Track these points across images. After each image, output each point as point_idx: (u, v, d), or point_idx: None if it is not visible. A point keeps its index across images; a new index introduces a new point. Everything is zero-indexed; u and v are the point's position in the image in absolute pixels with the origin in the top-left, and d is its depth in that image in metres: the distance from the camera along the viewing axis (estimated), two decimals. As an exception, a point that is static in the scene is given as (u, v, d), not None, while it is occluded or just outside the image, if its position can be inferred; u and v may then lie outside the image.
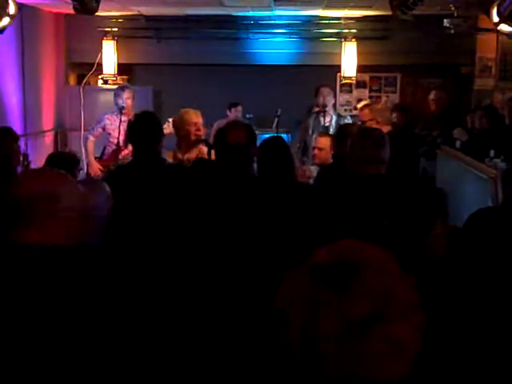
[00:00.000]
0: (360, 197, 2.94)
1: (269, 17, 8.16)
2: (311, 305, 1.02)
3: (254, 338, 2.39)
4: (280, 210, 3.05)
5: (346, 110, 8.47)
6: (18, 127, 6.41)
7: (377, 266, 1.04)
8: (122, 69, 8.45)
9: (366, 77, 8.63)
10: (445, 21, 6.22)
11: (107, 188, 2.51)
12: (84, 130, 7.78)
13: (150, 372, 1.79)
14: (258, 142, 3.46)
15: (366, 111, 6.26)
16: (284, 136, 7.33)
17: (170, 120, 4.94)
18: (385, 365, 1.01)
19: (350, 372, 1.00)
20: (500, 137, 5.79)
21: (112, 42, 8.30)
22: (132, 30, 8.36)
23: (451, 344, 1.94)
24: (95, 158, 6.44)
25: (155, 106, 8.00)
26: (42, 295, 1.68)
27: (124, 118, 6.18)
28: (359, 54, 8.24)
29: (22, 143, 5.39)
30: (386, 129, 5.70)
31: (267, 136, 3.87)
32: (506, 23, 5.02)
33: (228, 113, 7.51)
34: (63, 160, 4.02)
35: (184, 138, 4.65)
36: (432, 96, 7.21)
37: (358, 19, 8.22)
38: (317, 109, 6.47)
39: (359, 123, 6.18)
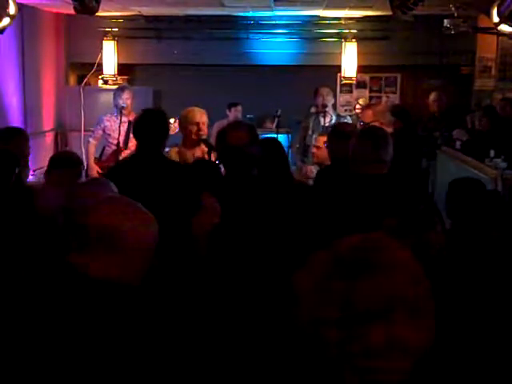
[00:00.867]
0: (363, 196, 2.94)
1: (269, 17, 8.16)
2: (322, 290, 1.03)
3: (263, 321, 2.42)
4: (277, 209, 3.06)
5: (346, 110, 8.47)
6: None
7: (395, 265, 1.05)
8: (122, 69, 8.45)
9: (366, 77, 8.63)
10: (445, 21, 6.22)
11: (114, 187, 2.52)
12: (84, 131, 7.78)
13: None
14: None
15: (369, 112, 6.25)
16: (284, 136, 7.35)
17: (172, 121, 4.93)
18: (384, 359, 1.01)
19: (350, 360, 1.02)
20: (500, 137, 5.79)
21: (112, 42, 8.30)
22: (132, 30, 8.36)
23: (453, 339, 1.94)
24: (94, 158, 6.43)
25: (155, 106, 8.00)
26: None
27: (124, 119, 6.17)
28: (359, 54, 8.24)
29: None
30: (389, 130, 5.69)
31: (266, 136, 3.90)
32: (506, 23, 5.02)
33: (228, 113, 7.51)
34: (67, 160, 4.01)
35: (186, 136, 4.66)
36: (432, 97, 7.21)
37: (358, 19, 8.22)
38: (316, 109, 6.47)
39: (361, 123, 6.17)
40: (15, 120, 6.90)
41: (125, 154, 6.04)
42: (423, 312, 1.04)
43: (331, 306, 1.02)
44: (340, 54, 8.32)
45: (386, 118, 6.43)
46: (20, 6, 5.45)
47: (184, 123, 4.66)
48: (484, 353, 2.15)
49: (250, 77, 8.31)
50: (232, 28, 8.34)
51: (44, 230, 2.55)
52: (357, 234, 1.11)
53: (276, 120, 7.00)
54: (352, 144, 3.28)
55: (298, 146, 6.43)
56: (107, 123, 6.33)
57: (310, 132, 6.37)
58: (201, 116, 4.65)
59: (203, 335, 2.42)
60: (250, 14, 7.93)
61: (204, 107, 5.02)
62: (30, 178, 5.13)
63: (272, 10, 7.50)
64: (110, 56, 8.30)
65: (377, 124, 5.83)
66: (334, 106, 7.07)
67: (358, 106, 7.97)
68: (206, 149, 4.46)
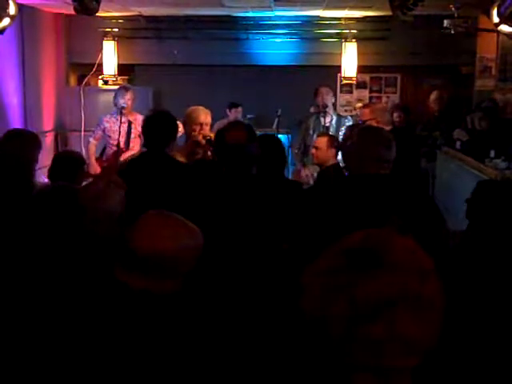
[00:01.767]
0: (364, 196, 2.93)
1: (269, 17, 8.16)
2: (328, 283, 1.05)
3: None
4: (274, 206, 3.07)
5: (346, 110, 8.47)
6: (18, 127, 6.40)
7: (401, 261, 1.05)
8: (123, 69, 8.45)
9: (366, 77, 8.63)
10: (445, 21, 6.21)
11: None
12: (84, 131, 7.79)
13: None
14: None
15: (367, 111, 6.26)
16: (284, 136, 7.35)
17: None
18: (387, 354, 1.02)
19: (354, 355, 1.02)
20: (500, 137, 5.79)
21: (112, 42, 8.30)
22: (132, 31, 8.36)
23: (467, 341, 1.94)
24: (95, 158, 6.44)
25: (155, 107, 8.01)
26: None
27: (124, 119, 6.17)
28: (359, 54, 8.24)
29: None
30: (386, 129, 5.70)
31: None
32: (507, 24, 5.02)
33: (228, 113, 7.52)
34: (70, 160, 4.02)
35: (188, 135, 4.66)
36: (434, 96, 7.21)
37: (358, 20, 8.22)
38: (316, 109, 6.47)
39: (360, 122, 6.18)
40: (15, 120, 6.90)
41: (126, 155, 6.04)
42: (430, 309, 1.03)
43: (336, 299, 1.03)
44: (340, 54, 8.31)
45: (384, 117, 6.44)
46: (20, 7, 5.46)
47: (188, 122, 4.67)
48: (497, 354, 2.14)
49: (250, 77, 8.31)
50: (232, 28, 8.34)
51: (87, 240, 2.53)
52: (364, 230, 1.11)
53: (276, 120, 7.00)
54: (353, 143, 3.27)
55: (296, 150, 6.41)
56: (107, 124, 6.33)
57: (310, 132, 6.37)
58: (205, 117, 4.66)
59: (209, 334, 2.43)
60: (250, 14, 7.93)
61: (204, 107, 5.02)
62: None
63: (272, 10, 7.50)
64: (110, 56, 8.30)
65: (373, 122, 5.85)
66: (334, 106, 7.06)
67: (358, 105, 7.98)
68: (209, 148, 4.47)
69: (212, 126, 6.77)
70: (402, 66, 8.45)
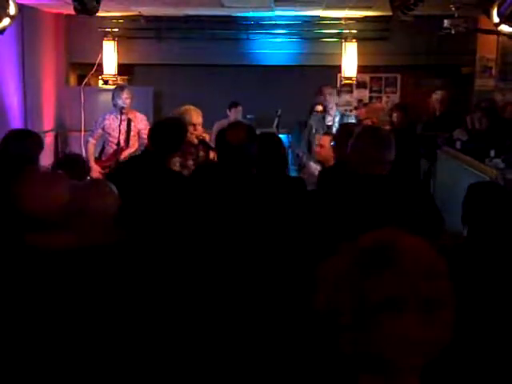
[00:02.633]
0: (365, 197, 2.93)
1: (269, 17, 8.16)
2: (340, 282, 1.05)
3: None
4: (277, 205, 3.07)
5: (346, 110, 8.46)
6: (18, 127, 6.40)
7: (415, 261, 1.05)
8: (123, 69, 8.45)
9: (366, 77, 8.63)
10: (445, 21, 6.21)
11: (114, 189, 2.52)
12: (84, 131, 7.78)
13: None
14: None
15: (363, 110, 6.29)
16: (284, 136, 7.35)
17: None
18: (397, 353, 1.02)
19: (364, 351, 1.03)
20: (500, 137, 5.79)
21: (112, 42, 8.30)
22: (132, 31, 8.36)
23: (469, 344, 1.94)
24: (94, 158, 6.44)
25: (155, 107, 8.01)
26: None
27: (124, 118, 6.18)
28: (359, 54, 8.24)
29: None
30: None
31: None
32: (507, 24, 5.02)
33: (228, 113, 7.52)
34: (72, 162, 4.03)
35: None
36: (439, 96, 7.19)
37: (358, 20, 8.22)
38: (320, 108, 6.49)
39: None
40: (15, 120, 6.90)
41: (126, 153, 6.05)
42: (441, 309, 1.03)
43: (348, 298, 1.03)
44: (340, 54, 8.31)
45: (380, 117, 6.46)
46: (20, 7, 5.45)
47: None
48: (497, 355, 2.14)
49: (250, 77, 8.31)
50: (232, 28, 8.34)
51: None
52: (376, 229, 1.12)
53: (276, 120, 6.99)
54: (353, 143, 3.27)
55: (301, 154, 6.40)
56: (107, 122, 6.33)
57: (313, 131, 6.39)
58: (197, 117, 4.68)
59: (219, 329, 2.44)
60: (250, 14, 7.93)
61: (204, 107, 5.02)
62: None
63: (272, 10, 7.50)
64: (110, 56, 8.30)
65: (369, 122, 5.87)
66: (336, 105, 7.06)
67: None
68: (203, 148, 4.48)
69: (212, 126, 6.81)
70: (402, 66, 8.45)
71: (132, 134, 6.22)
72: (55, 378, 1.70)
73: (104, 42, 8.28)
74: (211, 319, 2.61)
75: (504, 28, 5.12)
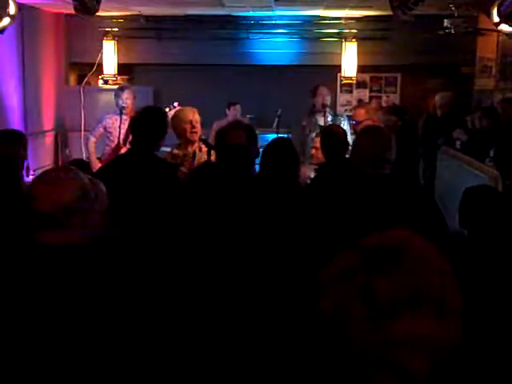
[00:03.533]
0: (366, 196, 2.93)
1: (269, 17, 8.16)
2: (346, 283, 1.05)
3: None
4: (282, 210, 3.06)
5: (346, 110, 8.46)
6: (18, 127, 6.40)
7: (421, 261, 1.05)
8: (123, 69, 8.45)
9: (366, 77, 8.63)
10: (445, 21, 6.21)
11: (103, 186, 2.51)
12: (84, 131, 7.78)
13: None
14: (260, 142, 3.47)
15: (362, 111, 6.23)
16: (284, 136, 7.34)
17: (167, 110, 4.95)
18: (406, 354, 1.02)
19: (374, 352, 1.03)
20: (499, 137, 5.78)
21: (112, 42, 8.30)
22: (132, 30, 8.36)
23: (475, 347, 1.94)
24: (97, 158, 6.44)
25: (155, 105, 8.00)
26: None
27: (125, 118, 6.17)
28: (359, 54, 8.24)
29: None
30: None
31: (268, 136, 3.90)
32: (507, 23, 5.02)
33: (227, 111, 7.51)
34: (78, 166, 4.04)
35: (180, 135, 4.67)
36: (443, 99, 7.14)
37: (358, 19, 8.22)
38: (315, 109, 6.46)
39: (353, 122, 6.16)
40: (15, 120, 6.90)
41: (123, 151, 6.04)
42: (449, 309, 1.03)
43: (354, 299, 1.03)
44: (340, 53, 8.31)
45: (379, 117, 6.43)
46: (20, 6, 5.46)
47: (177, 123, 4.67)
48: (497, 355, 2.14)
49: (250, 77, 8.31)
50: (232, 28, 8.33)
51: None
52: (383, 230, 1.11)
53: (276, 120, 6.99)
54: (355, 143, 3.27)
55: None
56: (109, 121, 6.33)
57: (307, 132, 6.37)
58: (193, 114, 4.66)
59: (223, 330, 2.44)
60: (251, 13, 7.93)
61: (204, 107, 5.02)
62: (30, 177, 5.13)
63: (272, 10, 7.50)
64: (110, 56, 8.30)
65: (369, 122, 5.83)
66: (332, 106, 7.05)
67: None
68: (204, 148, 4.47)
69: (211, 125, 6.80)
70: (402, 66, 8.44)
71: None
72: (55, 376, 1.70)
73: (104, 42, 8.28)
74: (210, 318, 2.60)
75: (504, 28, 5.12)
